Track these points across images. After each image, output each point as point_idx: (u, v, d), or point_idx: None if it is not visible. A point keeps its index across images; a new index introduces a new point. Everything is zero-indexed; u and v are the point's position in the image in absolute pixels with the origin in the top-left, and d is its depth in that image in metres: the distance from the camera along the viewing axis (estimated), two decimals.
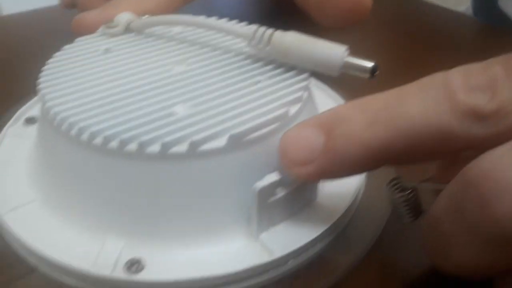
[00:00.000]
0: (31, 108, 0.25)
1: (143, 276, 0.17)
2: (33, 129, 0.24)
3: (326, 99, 0.26)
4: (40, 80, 0.20)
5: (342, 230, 0.19)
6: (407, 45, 0.36)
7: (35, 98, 0.26)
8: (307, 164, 0.16)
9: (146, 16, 0.24)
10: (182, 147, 0.17)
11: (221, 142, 0.17)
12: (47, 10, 0.41)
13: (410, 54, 0.35)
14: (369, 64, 0.19)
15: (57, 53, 0.22)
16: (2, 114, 0.25)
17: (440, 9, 0.42)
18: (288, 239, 0.18)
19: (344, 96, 0.26)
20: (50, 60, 0.21)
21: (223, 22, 0.22)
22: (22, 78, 0.31)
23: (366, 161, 0.15)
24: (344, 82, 0.23)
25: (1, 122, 0.24)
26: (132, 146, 0.17)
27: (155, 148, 0.17)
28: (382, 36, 0.38)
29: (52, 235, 0.18)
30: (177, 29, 0.24)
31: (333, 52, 0.19)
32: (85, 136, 0.17)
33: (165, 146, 0.16)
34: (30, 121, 0.24)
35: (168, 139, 0.17)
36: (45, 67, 0.21)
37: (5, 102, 0.26)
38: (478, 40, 0.39)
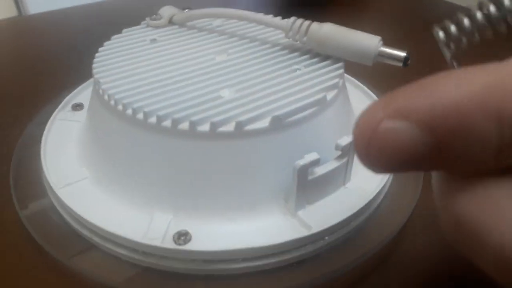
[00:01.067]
0: (77, 96, 0.27)
1: (191, 246, 0.18)
2: (80, 114, 0.25)
3: (353, 89, 0.27)
4: (94, 65, 0.21)
5: (374, 210, 0.20)
6: (414, 40, 0.37)
7: (81, 87, 0.27)
8: None
9: (187, 10, 0.26)
10: (229, 127, 0.18)
11: (264, 123, 0.18)
12: (79, 8, 0.43)
13: (418, 48, 0.35)
14: (403, 53, 0.20)
15: (107, 42, 0.23)
16: (50, 101, 0.27)
17: (446, 4, 0.43)
18: (324, 216, 0.19)
19: (369, 87, 0.27)
20: (101, 48, 0.23)
21: (261, 15, 0.23)
22: (65, 69, 0.33)
23: None
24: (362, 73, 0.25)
25: (49, 108, 0.26)
26: (184, 125, 0.18)
27: (205, 127, 0.18)
28: (391, 31, 0.39)
29: (103, 210, 0.20)
30: (216, 22, 0.25)
31: (368, 42, 0.20)
32: (140, 115, 0.18)
33: (214, 126, 0.18)
34: (77, 107, 0.26)
35: (216, 119, 0.18)
36: (97, 54, 0.22)
37: (52, 90, 0.28)
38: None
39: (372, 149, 0.12)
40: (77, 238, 0.20)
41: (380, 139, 0.12)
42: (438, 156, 0.11)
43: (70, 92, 0.27)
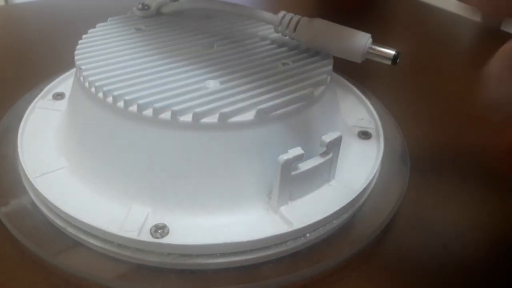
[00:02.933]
0: (59, 85, 0.26)
1: (168, 240, 0.17)
2: (61, 103, 0.25)
3: (341, 88, 0.27)
4: (77, 52, 0.21)
5: (358, 208, 0.20)
6: (416, 48, 0.37)
7: (63, 76, 0.27)
8: None
9: (176, 0, 0.25)
10: (213, 118, 0.17)
11: (249, 115, 0.18)
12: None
13: (420, 56, 0.36)
14: (392, 51, 0.20)
15: (91, 30, 0.23)
16: (31, 89, 0.26)
17: (447, 14, 0.43)
18: (306, 213, 0.19)
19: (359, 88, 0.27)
20: (85, 36, 0.22)
21: (252, 8, 0.23)
22: (48, 58, 0.32)
23: None
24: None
25: (30, 97, 0.25)
26: (166, 115, 0.17)
27: (187, 117, 0.17)
28: (393, 39, 0.39)
29: (80, 200, 0.19)
30: (205, 14, 0.25)
31: (358, 39, 0.20)
32: (120, 103, 0.18)
33: (197, 116, 0.17)
34: (58, 96, 0.25)
35: (199, 109, 0.17)
36: (81, 41, 0.22)
37: (33, 79, 0.27)
38: (484, 42, 0.40)
39: None
40: (61, 235, 0.19)
41: None
42: None
43: (52, 81, 0.26)
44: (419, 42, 0.38)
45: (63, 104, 0.24)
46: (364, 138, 0.23)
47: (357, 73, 0.26)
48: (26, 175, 0.20)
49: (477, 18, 0.51)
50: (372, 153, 0.22)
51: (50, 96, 0.25)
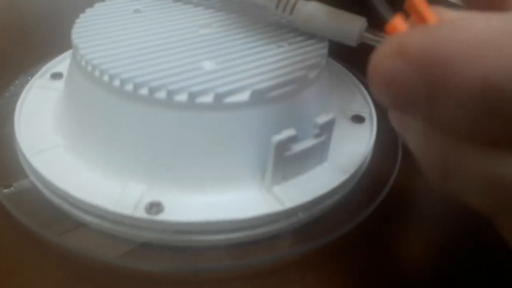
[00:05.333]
0: (57, 65, 0.26)
1: (163, 216, 0.18)
2: (59, 83, 0.25)
3: (337, 73, 0.27)
4: (74, 30, 0.21)
5: (349, 190, 0.20)
6: None
7: (62, 56, 0.27)
8: None
9: None
10: (208, 98, 0.18)
11: (244, 96, 0.18)
12: None
13: None
14: (386, 36, 0.20)
15: (89, 9, 0.23)
16: (29, 69, 0.26)
17: (443, 2, 0.43)
18: (299, 193, 0.19)
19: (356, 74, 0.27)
20: (82, 15, 0.22)
21: None
22: (46, 38, 0.32)
23: None
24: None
25: (27, 77, 0.26)
26: (161, 94, 0.18)
27: (182, 97, 0.18)
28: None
29: (75, 177, 0.19)
30: None
31: (353, 22, 0.20)
32: (116, 82, 0.18)
33: (192, 96, 0.18)
34: (56, 76, 0.26)
35: (195, 89, 0.18)
36: (78, 20, 0.22)
37: (31, 59, 0.27)
38: None
39: (375, 87, 0.12)
40: (60, 215, 0.19)
41: (379, 76, 0.12)
42: (429, 99, 0.11)
43: (50, 61, 0.26)
44: None
45: (61, 83, 0.25)
46: (357, 122, 0.23)
47: (353, 58, 0.26)
48: (22, 153, 0.20)
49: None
50: (365, 136, 0.22)
51: (48, 75, 0.26)
